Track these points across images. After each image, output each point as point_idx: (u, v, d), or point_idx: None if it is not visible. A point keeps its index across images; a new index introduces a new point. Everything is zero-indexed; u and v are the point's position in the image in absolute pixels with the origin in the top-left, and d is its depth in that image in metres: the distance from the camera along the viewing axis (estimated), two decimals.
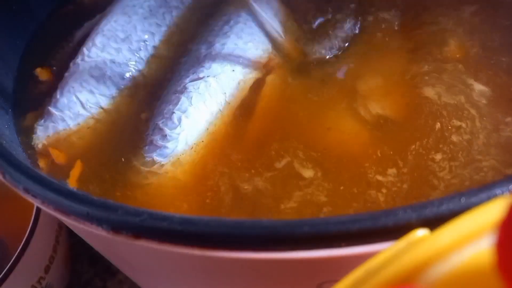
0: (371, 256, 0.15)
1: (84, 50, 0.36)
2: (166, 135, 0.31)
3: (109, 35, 0.37)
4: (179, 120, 0.31)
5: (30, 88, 0.37)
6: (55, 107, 0.34)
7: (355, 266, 0.15)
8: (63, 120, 0.34)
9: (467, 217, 0.14)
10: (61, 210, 0.22)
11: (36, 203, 0.24)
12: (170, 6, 0.39)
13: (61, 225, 0.40)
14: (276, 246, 0.20)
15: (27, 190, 0.24)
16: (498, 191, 0.19)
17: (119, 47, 0.36)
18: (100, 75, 0.35)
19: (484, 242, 0.13)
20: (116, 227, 0.21)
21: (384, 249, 0.15)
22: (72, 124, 0.34)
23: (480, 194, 0.19)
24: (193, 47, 0.36)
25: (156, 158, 0.30)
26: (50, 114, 0.34)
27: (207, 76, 0.33)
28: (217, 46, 0.35)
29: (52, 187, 0.23)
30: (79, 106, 0.34)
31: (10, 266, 0.34)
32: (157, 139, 0.31)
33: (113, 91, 0.35)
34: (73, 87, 0.35)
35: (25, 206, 0.37)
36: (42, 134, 0.33)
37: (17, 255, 0.34)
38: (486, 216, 0.14)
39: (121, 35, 0.37)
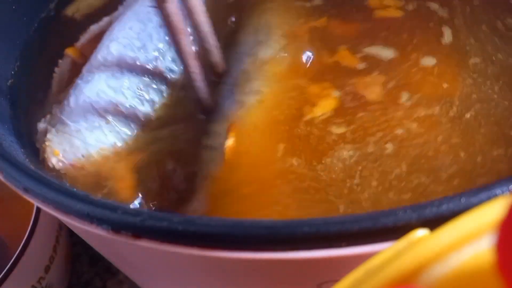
0: (371, 256, 0.15)
1: (99, 58, 0.34)
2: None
3: (125, 43, 0.35)
4: None
5: (29, 87, 0.37)
6: (70, 117, 0.32)
7: (355, 266, 0.15)
8: (79, 131, 0.32)
9: (467, 217, 0.14)
10: (61, 210, 0.23)
11: (36, 203, 0.24)
12: (183, 14, 0.38)
13: (61, 225, 0.40)
14: (276, 246, 0.20)
15: (27, 190, 0.24)
16: (498, 191, 0.19)
17: (136, 56, 0.34)
18: (117, 85, 0.34)
19: (484, 242, 0.13)
20: (116, 227, 0.21)
21: (384, 249, 0.15)
22: (89, 136, 0.32)
23: (480, 194, 0.19)
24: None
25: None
26: (63, 124, 0.32)
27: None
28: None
29: (52, 187, 0.23)
30: (97, 117, 0.32)
31: (10, 266, 0.34)
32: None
33: (132, 103, 0.33)
34: (89, 97, 0.33)
35: (25, 206, 0.37)
36: (58, 149, 0.32)
37: (17, 255, 0.34)
38: (486, 216, 0.14)
39: (137, 44, 0.35)
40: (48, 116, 0.34)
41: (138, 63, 0.34)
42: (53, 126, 0.33)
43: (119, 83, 0.34)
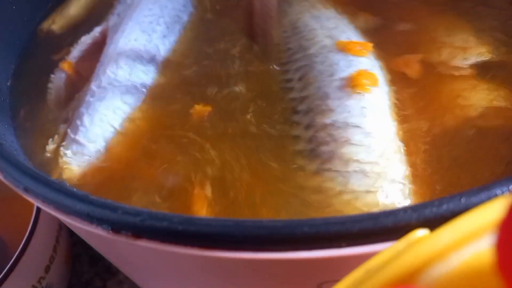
0: (371, 256, 0.15)
1: (109, 72, 0.33)
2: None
3: (133, 56, 0.34)
4: None
5: (29, 87, 0.37)
6: (86, 137, 0.31)
7: (355, 266, 0.15)
8: (99, 151, 0.31)
9: (467, 217, 0.14)
10: (61, 210, 0.23)
11: (36, 203, 0.24)
12: (183, 22, 0.37)
13: (61, 225, 0.40)
14: (276, 246, 0.20)
15: (27, 190, 0.24)
16: (498, 191, 0.19)
17: (147, 69, 0.33)
18: (133, 101, 0.32)
19: (484, 242, 0.13)
20: (116, 227, 0.21)
21: (384, 249, 0.15)
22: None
23: (480, 194, 0.19)
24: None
25: None
26: (79, 144, 0.31)
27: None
28: None
29: (52, 187, 0.23)
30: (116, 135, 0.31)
31: (10, 266, 0.34)
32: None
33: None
34: (105, 115, 0.31)
35: (25, 206, 0.37)
36: (78, 172, 0.30)
37: (17, 255, 0.34)
38: (486, 216, 0.14)
39: (146, 56, 0.34)
40: (56, 137, 0.32)
41: (149, 76, 0.33)
42: (67, 148, 0.31)
43: (135, 99, 0.32)
